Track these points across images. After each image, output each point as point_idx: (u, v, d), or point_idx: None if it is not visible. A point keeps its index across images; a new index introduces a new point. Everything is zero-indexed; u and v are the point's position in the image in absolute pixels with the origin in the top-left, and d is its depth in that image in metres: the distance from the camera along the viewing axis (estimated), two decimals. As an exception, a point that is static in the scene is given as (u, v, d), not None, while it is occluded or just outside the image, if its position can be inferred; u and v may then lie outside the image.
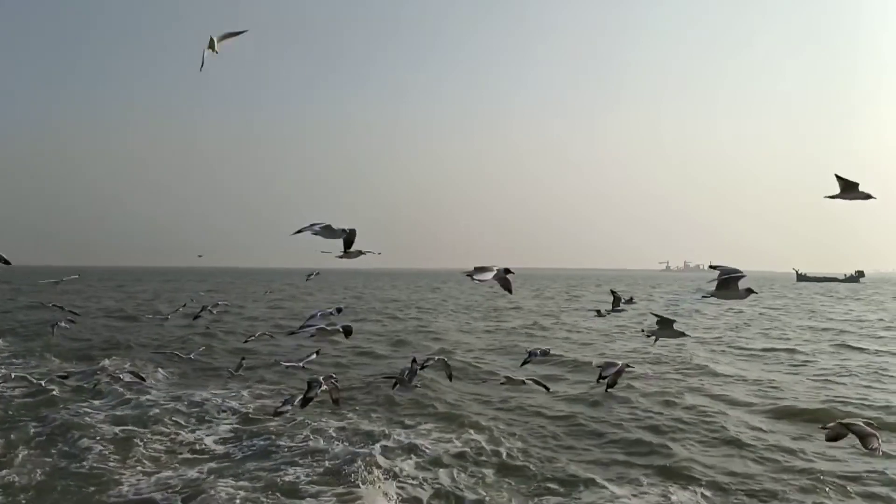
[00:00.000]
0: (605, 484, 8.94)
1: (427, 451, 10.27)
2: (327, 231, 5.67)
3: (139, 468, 9.47)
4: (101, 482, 8.80)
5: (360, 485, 8.72)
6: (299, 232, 5.53)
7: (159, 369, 17.23)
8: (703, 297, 5.55)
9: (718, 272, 5.29)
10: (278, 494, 8.42)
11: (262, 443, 10.82)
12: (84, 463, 9.52)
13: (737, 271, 5.20)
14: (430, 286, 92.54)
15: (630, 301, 9.34)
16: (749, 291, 5.33)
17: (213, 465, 9.73)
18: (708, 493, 8.65)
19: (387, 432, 11.13)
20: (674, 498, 8.48)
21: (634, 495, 8.59)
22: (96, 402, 13.30)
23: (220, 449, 10.55)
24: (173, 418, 12.15)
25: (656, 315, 6.67)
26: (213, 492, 8.34)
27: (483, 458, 10.05)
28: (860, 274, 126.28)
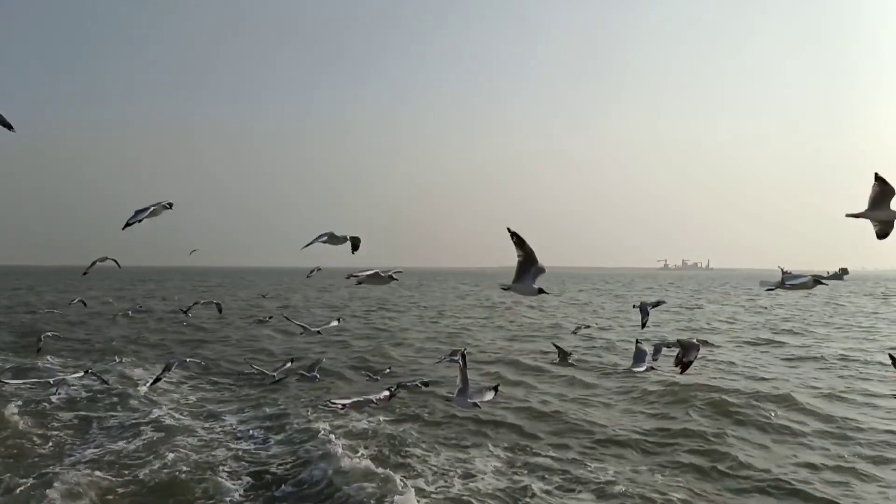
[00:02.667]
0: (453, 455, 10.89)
1: (330, 434, 12.02)
2: (332, 239, 6.04)
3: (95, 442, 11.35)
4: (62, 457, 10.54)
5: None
6: (308, 245, 5.92)
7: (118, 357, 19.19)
8: (767, 290, 5.93)
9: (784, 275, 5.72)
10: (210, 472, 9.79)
11: (194, 423, 12.67)
12: (48, 443, 11.30)
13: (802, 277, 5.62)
14: (414, 285, 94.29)
15: (658, 304, 9.62)
16: (817, 282, 5.40)
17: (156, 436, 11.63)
18: (535, 458, 10.62)
19: (313, 422, 12.59)
20: (488, 462, 10.37)
21: (471, 458, 10.51)
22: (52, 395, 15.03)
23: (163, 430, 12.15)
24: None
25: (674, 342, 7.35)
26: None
27: (370, 436, 11.87)
28: (844, 271, 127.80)
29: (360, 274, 5.79)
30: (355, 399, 6.56)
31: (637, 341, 8.20)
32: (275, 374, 10.57)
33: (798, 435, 11.82)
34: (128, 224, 5.22)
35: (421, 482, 9.49)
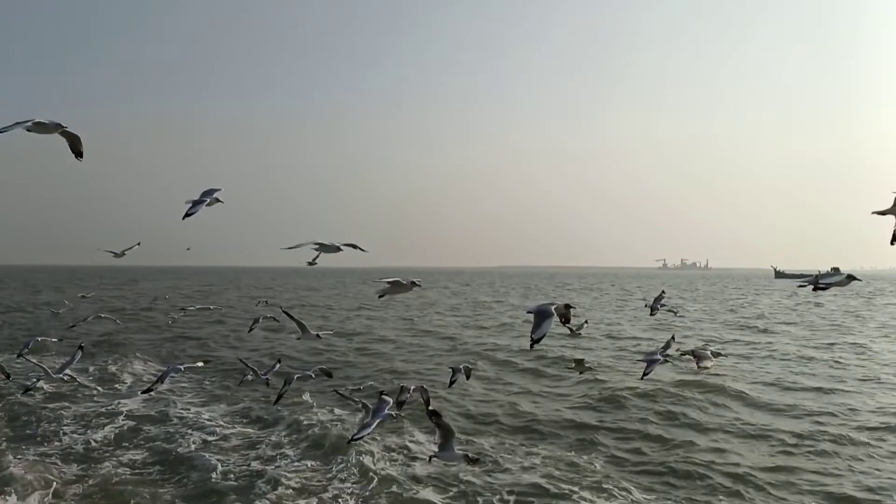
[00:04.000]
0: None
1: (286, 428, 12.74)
2: (323, 248, 5.99)
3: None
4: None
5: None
6: (293, 248, 5.86)
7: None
8: (799, 286, 5.71)
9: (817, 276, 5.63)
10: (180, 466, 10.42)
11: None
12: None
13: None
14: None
15: (675, 313, 9.37)
16: (850, 278, 5.31)
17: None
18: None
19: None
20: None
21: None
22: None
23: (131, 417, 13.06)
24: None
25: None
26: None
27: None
28: (836, 271, 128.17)
29: (381, 282, 5.55)
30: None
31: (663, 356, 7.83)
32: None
33: (719, 419, 12.83)
34: (188, 214, 5.40)
35: (368, 461, 10.30)
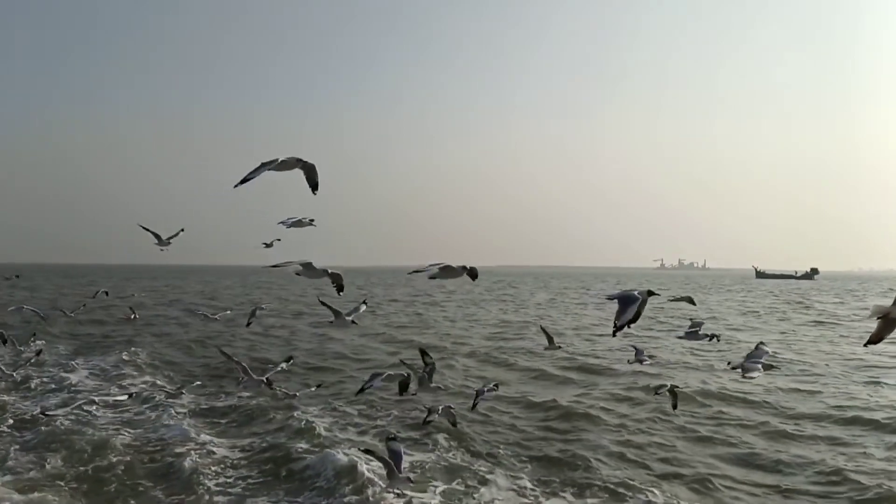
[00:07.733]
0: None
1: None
2: (309, 270, 5.90)
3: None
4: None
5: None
6: (275, 255, 6.05)
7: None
8: (878, 318, 5.15)
9: None
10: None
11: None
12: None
13: None
14: (390, 283, 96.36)
15: (714, 337, 8.69)
16: None
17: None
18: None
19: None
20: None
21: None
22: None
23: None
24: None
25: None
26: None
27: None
28: (815, 271, 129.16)
29: (431, 268, 5.59)
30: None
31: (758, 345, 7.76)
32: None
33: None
34: (280, 223, 6.02)
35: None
